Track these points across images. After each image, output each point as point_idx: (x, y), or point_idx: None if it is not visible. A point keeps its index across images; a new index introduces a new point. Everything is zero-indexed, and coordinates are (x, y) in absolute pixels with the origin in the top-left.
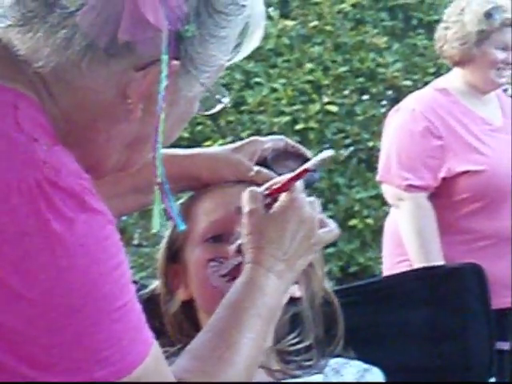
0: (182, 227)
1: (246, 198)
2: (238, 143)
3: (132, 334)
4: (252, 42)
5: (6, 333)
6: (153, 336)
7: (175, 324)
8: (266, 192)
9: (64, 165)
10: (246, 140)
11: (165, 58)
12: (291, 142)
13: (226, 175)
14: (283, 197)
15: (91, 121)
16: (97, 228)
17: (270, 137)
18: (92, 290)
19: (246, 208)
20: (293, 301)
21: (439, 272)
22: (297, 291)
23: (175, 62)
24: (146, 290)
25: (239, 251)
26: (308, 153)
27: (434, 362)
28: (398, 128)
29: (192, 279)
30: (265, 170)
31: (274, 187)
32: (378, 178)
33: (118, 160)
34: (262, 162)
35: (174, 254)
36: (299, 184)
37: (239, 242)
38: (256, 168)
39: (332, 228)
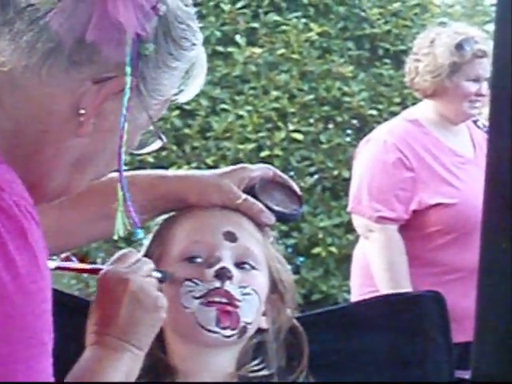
0: (141, 235)
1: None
2: (228, 169)
3: (36, 376)
4: (194, 86)
5: None
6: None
7: None
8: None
9: (8, 183)
10: (235, 166)
11: (128, 69)
12: (280, 173)
13: (214, 200)
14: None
15: (41, 133)
16: (30, 258)
17: (258, 165)
18: (9, 317)
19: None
20: (259, 331)
21: (400, 299)
22: (264, 323)
23: (132, 78)
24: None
25: (217, 276)
26: (294, 185)
27: None
28: (370, 159)
29: (164, 295)
30: (251, 199)
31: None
32: (348, 208)
33: (60, 182)
34: (249, 190)
35: None
36: (124, 255)
37: (218, 266)
38: (244, 196)
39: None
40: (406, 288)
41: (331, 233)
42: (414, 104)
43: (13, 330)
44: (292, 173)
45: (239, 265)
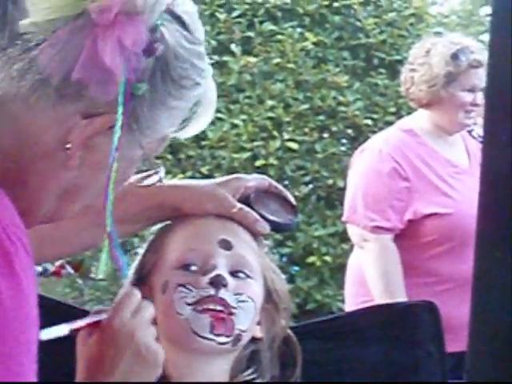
0: (126, 275)
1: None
2: (223, 178)
3: None
4: (199, 124)
5: None
6: None
7: None
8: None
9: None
10: (231, 176)
11: (120, 109)
12: (275, 183)
13: (209, 209)
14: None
15: (30, 162)
16: (15, 290)
17: (253, 175)
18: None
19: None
20: (253, 340)
21: (394, 309)
22: (258, 332)
23: (123, 117)
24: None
25: (212, 284)
26: (289, 196)
27: None
28: (365, 169)
29: (157, 303)
30: (246, 209)
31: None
32: (343, 218)
33: (50, 209)
34: (244, 200)
35: (143, 276)
36: (124, 302)
37: (213, 274)
38: (239, 205)
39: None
40: (401, 298)
41: (326, 242)
42: (409, 114)
43: None
44: (287, 182)
45: (234, 273)
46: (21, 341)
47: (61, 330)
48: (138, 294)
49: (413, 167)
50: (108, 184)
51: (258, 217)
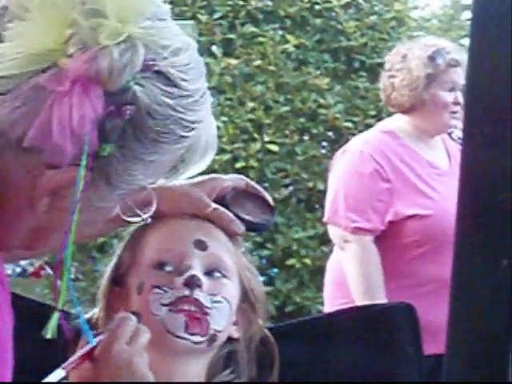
0: (92, 342)
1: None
2: (199, 178)
3: None
4: (190, 170)
5: None
6: None
7: None
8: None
9: None
10: (207, 176)
11: (82, 169)
12: (252, 183)
13: (184, 209)
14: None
15: (1, 201)
16: None
17: (230, 175)
18: None
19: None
20: (230, 340)
21: (372, 310)
22: (235, 332)
23: (88, 174)
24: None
25: (187, 284)
26: (267, 196)
27: None
28: (346, 170)
29: (133, 304)
30: (221, 209)
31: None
32: (324, 219)
33: (24, 241)
34: (220, 200)
35: (119, 277)
36: (121, 327)
37: (188, 274)
38: (213, 205)
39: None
40: (381, 299)
41: (305, 244)
42: (389, 117)
43: None
44: (267, 184)
45: (209, 273)
46: None
47: (58, 375)
48: (134, 319)
49: (394, 168)
50: (66, 240)
51: (232, 217)
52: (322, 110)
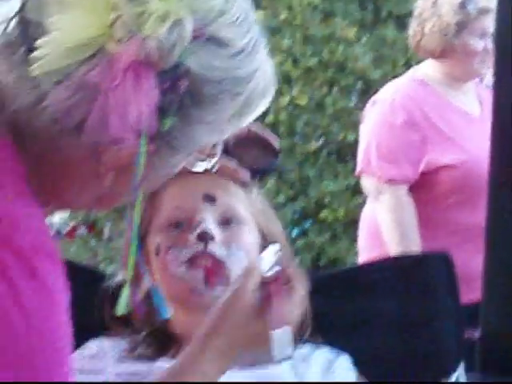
0: (166, 315)
1: (244, 270)
2: None
3: None
4: (251, 116)
5: None
6: None
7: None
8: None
9: (22, 222)
10: None
11: (143, 144)
12: (254, 128)
13: (188, 164)
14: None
15: (61, 173)
16: (43, 298)
17: None
18: (29, 360)
19: (238, 280)
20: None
21: (409, 260)
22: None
23: (150, 146)
24: (114, 281)
25: (200, 239)
26: (274, 140)
27: (403, 349)
28: (378, 120)
29: (153, 264)
30: (224, 159)
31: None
32: (357, 170)
33: (87, 205)
34: (224, 150)
35: (139, 239)
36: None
37: (200, 229)
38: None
39: None
40: (416, 249)
41: (338, 196)
42: (418, 65)
43: (26, 370)
44: (297, 138)
45: (222, 224)
46: (49, 352)
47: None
48: (258, 268)
49: (425, 117)
50: (131, 226)
51: (235, 166)
52: (350, 61)
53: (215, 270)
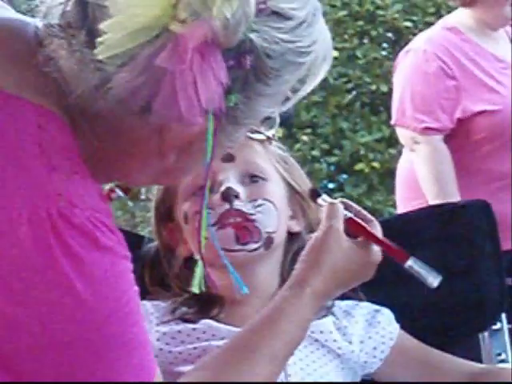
0: (246, 291)
1: (327, 211)
2: None
3: (134, 370)
4: (311, 85)
5: (13, 366)
6: (156, 370)
7: (181, 280)
8: (350, 217)
9: (80, 198)
10: None
11: (210, 123)
12: None
13: None
14: (366, 242)
15: (123, 151)
16: (107, 266)
17: None
18: (98, 328)
19: (326, 222)
20: (293, 236)
21: (447, 209)
22: (295, 226)
23: (216, 123)
24: (154, 244)
25: (224, 199)
26: None
27: (445, 300)
28: (410, 70)
29: (185, 233)
30: None
31: (362, 224)
32: (392, 121)
33: (150, 181)
34: None
35: (166, 213)
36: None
37: (223, 188)
38: None
39: None
40: (455, 198)
41: (373, 148)
42: (448, 13)
43: (94, 338)
44: (330, 90)
45: (245, 180)
46: (121, 316)
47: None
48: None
49: (459, 65)
50: (202, 211)
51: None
52: (380, 11)
53: (245, 226)
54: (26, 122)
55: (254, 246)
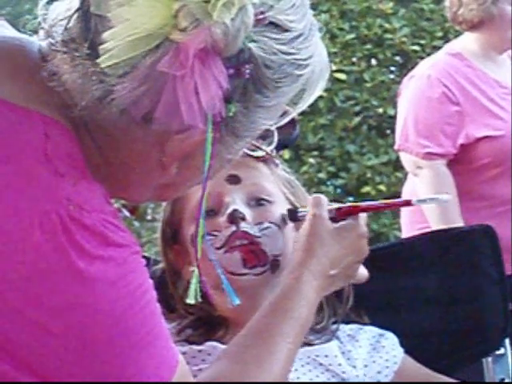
0: (237, 301)
1: (312, 201)
2: None
3: (156, 360)
4: (309, 100)
5: (33, 365)
6: (178, 356)
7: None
8: (334, 207)
9: (88, 201)
10: None
11: (209, 133)
12: None
13: None
14: (351, 219)
15: (125, 163)
16: (120, 262)
17: None
18: (117, 323)
19: (311, 210)
20: None
21: (452, 234)
22: None
23: (216, 133)
24: (159, 266)
25: (231, 221)
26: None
27: (449, 325)
28: (414, 95)
29: (192, 256)
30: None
31: (344, 206)
32: (395, 146)
33: (153, 196)
34: None
35: (173, 235)
36: (365, 216)
37: (229, 210)
38: None
39: (365, 272)
40: (458, 223)
41: (379, 171)
42: (456, 37)
43: (115, 331)
44: (337, 113)
45: (251, 203)
46: (136, 311)
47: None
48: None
49: (462, 91)
50: (200, 211)
51: (254, 143)
52: (388, 35)
53: (251, 249)
54: (32, 131)
55: (261, 269)
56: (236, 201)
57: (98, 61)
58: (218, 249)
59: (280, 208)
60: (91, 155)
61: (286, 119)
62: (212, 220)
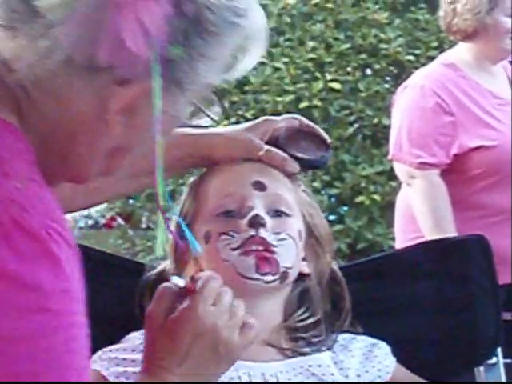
0: (200, 250)
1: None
2: (251, 122)
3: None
4: (250, 60)
5: None
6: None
7: None
8: (183, 286)
9: (33, 205)
10: (259, 119)
11: (155, 77)
12: (306, 121)
13: (236, 154)
14: (182, 305)
15: (72, 135)
16: (56, 278)
17: (284, 116)
18: (41, 339)
19: (149, 306)
20: (301, 277)
21: (445, 244)
22: (305, 268)
23: (161, 81)
24: (154, 272)
25: (251, 225)
26: (322, 132)
27: (442, 334)
28: (408, 105)
29: (202, 254)
30: (274, 150)
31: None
32: (389, 156)
33: (99, 168)
34: (274, 142)
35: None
36: (207, 288)
37: (251, 215)
38: (266, 147)
39: (252, 326)
40: (451, 232)
41: (374, 181)
42: (451, 47)
43: (38, 350)
44: (331, 123)
45: (271, 212)
46: (62, 340)
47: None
48: (219, 278)
49: (456, 101)
50: (156, 161)
51: (285, 156)
52: (383, 45)
53: (266, 256)
54: None
55: (271, 278)
56: (258, 207)
57: (37, 3)
58: (234, 250)
59: (297, 223)
60: (36, 140)
61: (231, 75)
62: (231, 220)
